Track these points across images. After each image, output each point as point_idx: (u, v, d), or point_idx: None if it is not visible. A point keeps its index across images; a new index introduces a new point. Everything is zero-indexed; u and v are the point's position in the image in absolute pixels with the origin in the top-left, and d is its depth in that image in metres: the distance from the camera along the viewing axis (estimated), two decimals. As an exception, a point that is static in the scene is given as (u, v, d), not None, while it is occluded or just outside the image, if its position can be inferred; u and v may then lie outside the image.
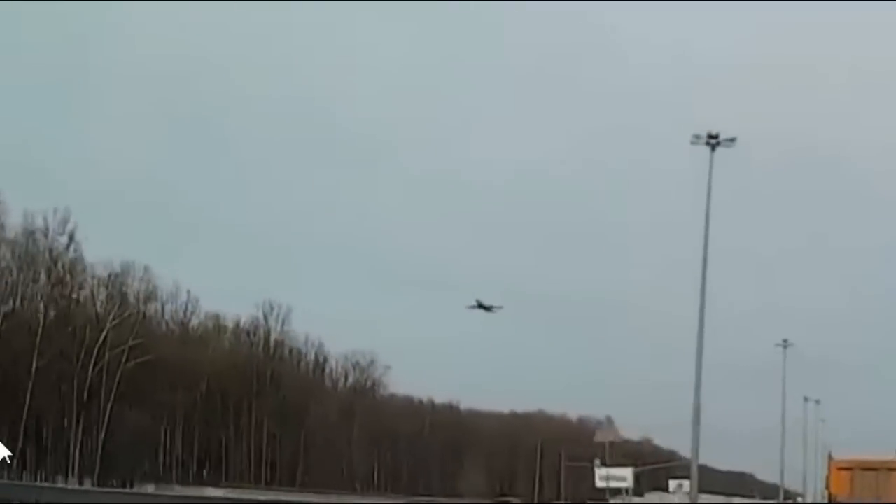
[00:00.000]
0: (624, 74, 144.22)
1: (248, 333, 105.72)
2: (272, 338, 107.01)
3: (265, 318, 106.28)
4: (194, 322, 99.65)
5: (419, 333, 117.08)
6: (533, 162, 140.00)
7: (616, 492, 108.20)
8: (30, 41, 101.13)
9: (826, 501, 44.84)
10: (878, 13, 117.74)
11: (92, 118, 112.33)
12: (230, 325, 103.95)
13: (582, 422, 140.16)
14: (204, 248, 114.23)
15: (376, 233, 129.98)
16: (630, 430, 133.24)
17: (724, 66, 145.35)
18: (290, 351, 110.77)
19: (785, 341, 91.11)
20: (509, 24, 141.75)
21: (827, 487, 44.47)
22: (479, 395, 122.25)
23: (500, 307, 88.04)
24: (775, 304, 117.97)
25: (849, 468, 41.87)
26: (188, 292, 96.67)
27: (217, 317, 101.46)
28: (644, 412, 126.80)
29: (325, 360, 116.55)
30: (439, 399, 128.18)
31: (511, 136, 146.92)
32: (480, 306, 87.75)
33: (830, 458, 44.69)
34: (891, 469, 41.14)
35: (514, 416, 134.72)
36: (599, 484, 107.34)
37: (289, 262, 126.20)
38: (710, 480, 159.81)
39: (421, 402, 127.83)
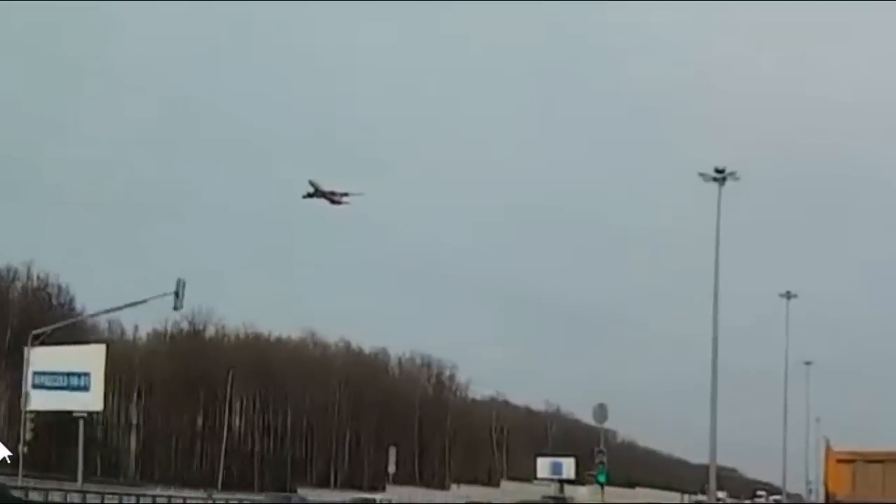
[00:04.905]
0: (635, 82, 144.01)
1: None
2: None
3: None
4: None
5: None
6: (539, 170, 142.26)
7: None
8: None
9: (823, 500, 39.00)
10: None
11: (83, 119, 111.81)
12: None
13: (403, 363, 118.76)
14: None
15: (378, 230, 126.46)
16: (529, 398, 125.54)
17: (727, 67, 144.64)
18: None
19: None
20: (513, 24, 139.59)
21: (824, 483, 38.36)
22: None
23: (347, 195, 71.43)
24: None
25: (850, 461, 35.97)
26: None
27: None
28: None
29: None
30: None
31: (516, 141, 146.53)
32: (318, 193, 71.01)
33: (828, 448, 38.35)
34: None
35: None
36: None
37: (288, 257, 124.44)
38: (669, 471, 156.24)
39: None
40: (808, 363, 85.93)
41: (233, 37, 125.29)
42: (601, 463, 46.97)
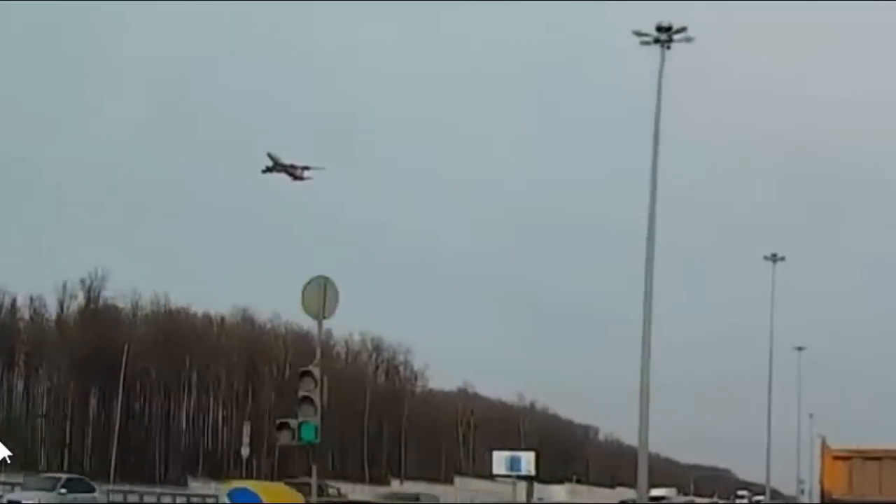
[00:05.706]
0: (635, 82, 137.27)
1: None
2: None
3: None
4: None
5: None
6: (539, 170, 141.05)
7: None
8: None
9: (819, 498, 36.99)
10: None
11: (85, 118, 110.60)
12: None
13: (350, 347, 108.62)
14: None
15: (383, 228, 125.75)
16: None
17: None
18: None
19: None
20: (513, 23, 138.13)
21: (820, 481, 36.50)
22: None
23: (308, 168, 70.01)
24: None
25: (847, 458, 35.01)
26: None
27: None
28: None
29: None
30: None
31: (516, 141, 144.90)
32: (278, 167, 69.46)
33: (824, 445, 37.05)
34: None
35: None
36: None
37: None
38: (656, 471, 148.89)
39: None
40: (799, 349, 79.84)
41: (233, 37, 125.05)
42: (305, 400, 20.12)
